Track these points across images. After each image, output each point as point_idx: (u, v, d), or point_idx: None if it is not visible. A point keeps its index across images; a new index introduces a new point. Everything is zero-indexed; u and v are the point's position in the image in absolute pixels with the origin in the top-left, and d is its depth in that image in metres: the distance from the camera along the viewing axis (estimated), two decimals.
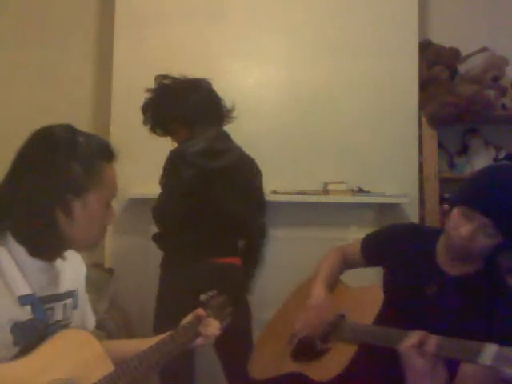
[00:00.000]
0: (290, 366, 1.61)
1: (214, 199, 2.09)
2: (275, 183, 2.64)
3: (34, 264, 1.15)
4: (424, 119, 2.94)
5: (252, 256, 2.26)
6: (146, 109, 2.20)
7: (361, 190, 2.86)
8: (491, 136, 3.14)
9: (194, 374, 2.15)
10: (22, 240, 1.13)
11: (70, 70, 3.08)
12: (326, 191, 2.83)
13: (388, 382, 1.43)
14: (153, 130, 2.22)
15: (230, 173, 2.11)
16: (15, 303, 1.10)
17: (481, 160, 3.02)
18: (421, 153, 2.94)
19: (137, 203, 2.63)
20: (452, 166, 3.11)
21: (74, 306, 1.26)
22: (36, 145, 1.16)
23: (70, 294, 1.25)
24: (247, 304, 2.20)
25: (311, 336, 1.61)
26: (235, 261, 2.18)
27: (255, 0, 2.97)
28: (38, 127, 1.17)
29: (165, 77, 2.20)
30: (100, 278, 2.60)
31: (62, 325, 1.20)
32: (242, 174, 2.17)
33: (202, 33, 2.90)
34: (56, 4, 3.11)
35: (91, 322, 1.38)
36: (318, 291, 1.66)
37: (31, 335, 1.11)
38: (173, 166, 2.07)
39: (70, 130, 1.18)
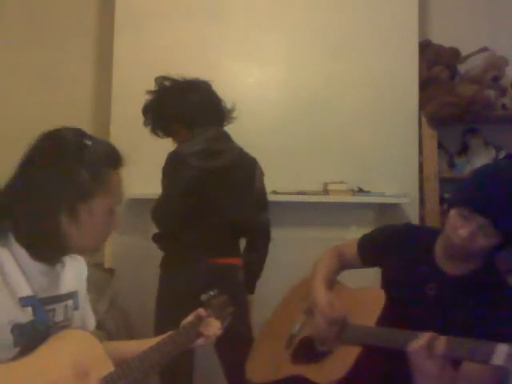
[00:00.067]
0: (291, 369, 1.59)
1: (213, 199, 2.09)
2: (275, 183, 2.63)
3: (36, 266, 1.15)
4: (424, 119, 2.94)
5: (255, 255, 2.26)
6: (147, 110, 2.21)
7: (361, 190, 2.86)
8: (491, 136, 3.14)
9: (194, 374, 2.15)
10: (25, 243, 1.13)
11: (70, 69, 3.08)
12: (325, 191, 2.83)
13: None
14: (154, 131, 2.23)
15: (229, 173, 2.11)
16: (16, 304, 1.10)
17: (481, 160, 3.01)
18: (421, 153, 2.94)
19: (137, 203, 2.63)
20: (452, 165, 3.11)
21: (75, 307, 1.26)
22: (44, 147, 1.15)
23: (71, 295, 1.25)
24: (247, 304, 2.20)
25: (311, 338, 1.60)
26: (235, 261, 2.18)
27: (255, 0, 2.97)
28: (38, 127, 1.17)
29: (165, 78, 2.20)
30: (100, 277, 2.60)
31: (63, 326, 1.20)
32: (241, 173, 2.17)
33: (202, 33, 2.90)
34: (56, 4, 3.11)
35: (91, 322, 1.38)
36: (321, 294, 1.62)
37: (32, 336, 1.11)
38: (171, 167, 2.08)
39: (78, 134, 1.17)
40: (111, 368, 1.16)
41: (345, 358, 1.45)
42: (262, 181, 2.27)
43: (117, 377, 1.15)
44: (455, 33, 3.15)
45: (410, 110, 2.96)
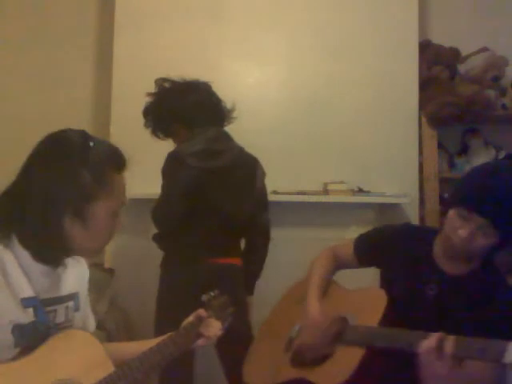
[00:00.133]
0: (291, 373, 1.58)
1: (213, 199, 2.09)
2: (275, 183, 2.63)
3: (38, 267, 1.15)
4: (424, 119, 2.94)
5: (255, 255, 2.26)
6: (147, 112, 2.21)
7: (361, 190, 2.86)
8: (491, 136, 3.14)
9: (194, 374, 2.15)
10: (27, 244, 1.13)
11: (70, 69, 3.07)
12: (325, 191, 2.83)
13: None
14: (154, 133, 2.23)
15: (229, 173, 2.11)
16: (18, 305, 1.10)
17: (481, 160, 3.01)
18: (421, 153, 2.94)
19: (137, 203, 2.63)
20: (452, 165, 3.11)
21: (76, 309, 1.26)
22: (48, 149, 1.15)
23: (72, 297, 1.25)
24: (246, 304, 2.20)
25: (310, 342, 1.59)
26: (235, 261, 2.18)
27: (255, 0, 2.97)
28: (38, 127, 1.17)
29: (165, 80, 2.21)
30: (100, 277, 2.60)
31: (64, 327, 1.20)
32: (241, 173, 2.17)
33: (202, 33, 2.90)
34: (56, 4, 3.10)
35: (92, 323, 1.37)
36: (313, 304, 1.62)
37: (32, 337, 1.11)
38: (171, 167, 2.08)
39: (83, 136, 1.17)
40: (112, 369, 1.16)
41: (348, 360, 1.43)
42: (262, 180, 2.27)
43: (117, 377, 1.15)
44: (455, 33, 3.15)
45: (410, 109, 2.96)
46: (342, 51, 2.95)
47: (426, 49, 3.05)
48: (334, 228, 2.87)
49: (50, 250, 1.15)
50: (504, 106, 2.98)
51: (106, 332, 2.39)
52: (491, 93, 2.93)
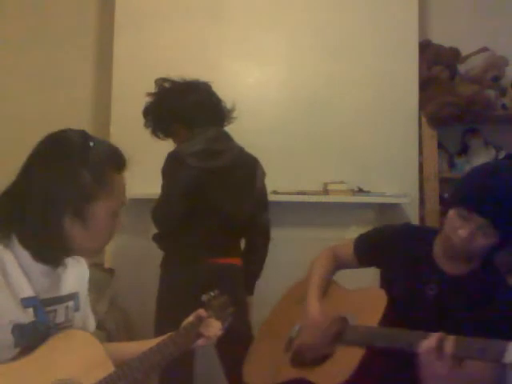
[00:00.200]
0: (291, 373, 1.58)
1: (213, 199, 2.09)
2: (275, 183, 2.63)
3: (38, 267, 1.15)
4: (424, 119, 2.94)
5: (255, 255, 2.26)
6: (147, 112, 2.21)
7: (361, 190, 2.86)
8: (491, 136, 3.14)
9: (194, 374, 2.15)
10: (27, 244, 1.13)
11: (70, 69, 3.07)
12: (325, 191, 2.83)
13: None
14: (154, 133, 2.23)
15: (229, 172, 2.11)
16: (18, 305, 1.10)
17: (481, 160, 3.00)
18: (421, 153, 2.94)
19: (137, 203, 2.63)
20: (452, 165, 3.11)
21: (76, 309, 1.26)
22: (47, 149, 1.15)
23: (72, 297, 1.25)
24: (246, 304, 2.20)
25: (310, 343, 1.58)
26: (235, 261, 2.18)
27: (255, 0, 2.97)
28: (38, 127, 1.17)
29: (165, 80, 2.21)
30: (100, 277, 2.60)
31: (64, 327, 1.20)
32: (242, 173, 2.17)
33: (202, 33, 2.90)
34: (56, 4, 3.10)
35: (92, 323, 1.37)
36: (313, 304, 1.62)
37: (32, 337, 1.11)
38: (171, 167, 2.08)
39: (83, 136, 1.17)
40: (112, 369, 1.16)
41: (348, 359, 1.43)
42: (263, 180, 2.27)
43: (117, 377, 1.15)
44: (455, 33, 3.15)
45: (410, 109, 2.96)
46: (341, 51, 2.95)
47: (426, 49, 3.05)
48: (334, 228, 2.87)
49: (50, 250, 1.15)
50: (504, 106, 2.98)
51: (106, 332, 2.39)
52: (491, 93, 2.93)
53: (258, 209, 2.24)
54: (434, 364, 1.21)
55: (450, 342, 1.21)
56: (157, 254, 2.18)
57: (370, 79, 2.95)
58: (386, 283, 1.61)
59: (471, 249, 1.38)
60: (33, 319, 1.12)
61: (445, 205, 1.50)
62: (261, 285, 2.28)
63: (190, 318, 1.37)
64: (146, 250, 2.40)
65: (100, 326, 2.26)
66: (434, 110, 2.88)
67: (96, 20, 3.13)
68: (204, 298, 1.43)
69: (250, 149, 2.24)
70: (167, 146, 2.21)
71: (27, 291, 1.12)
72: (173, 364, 1.31)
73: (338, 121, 2.93)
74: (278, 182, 2.70)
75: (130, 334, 2.64)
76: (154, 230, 2.18)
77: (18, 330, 1.09)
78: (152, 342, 1.28)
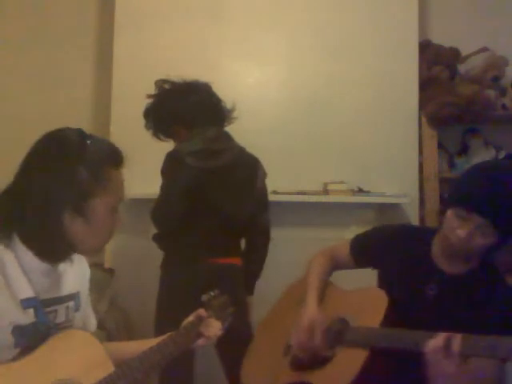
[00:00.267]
0: (292, 376, 1.56)
1: (213, 199, 2.09)
2: (275, 183, 2.63)
3: (39, 267, 1.15)
4: (424, 119, 2.94)
5: (255, 255, 2.26)
6: (148, 114, 2.21)
7: (361, 190, 2.86)
8: (491, 136, 3.14)
9: (194, 374, 2.15)
10: (29, 243, 1.13)
11: (70, 69, 3.07)
12: (325, 191, 2.83)
13: None
14: (155, 134, 2.23)
15: (229, 172, 2.11)
16: (18, 306, 1.10)
17: (481, 160, 3.01)
18: (421, 153, 2.95)
19: (137, 203, 2.63)
20: (452, 165, 3.11)
21: (76, 309, 1.26)
22: (45, 147, 1.15)
23: (73, 297, 1.25)
24: (246, 304, 2.20)
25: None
26: (235, 261, 2.18)
27: (255, 0, 2.97)
28: (38, 127, 1.17)
29: (165, 81, 2.21)
30: (100, 277, 2.60)
31: (64, 327, 1.20)
32: (242, 173, 2.17)
33: (202, 33, 2.90)
34: (56, 4, 3.11)
35: (93, 323, 1.38)
36: (311, 305, 1.60)
37: (33, 338, 1.11)
38: (170, 167, 2.08)
39: (79, 133, 1.17)
40: (111, 368, 1.16)
41: (351, 362, 1.42)
42: (263, 181, 2.27)
43: (117, 377, 1.15)
44: (455, 33, 3.15)
45: (410, 110, 2.96)
46: (341, 51, 2.95)
47: (426, 49, 3.05)
48: (334, 228, 2.87)
49: (51, 248, 1.15)
50: (504, 106, 2.98)
51: (106, 332, 2.39)
52: (491, 93, 2.93)
53: (259, 209, 2.24)
54: (442, 363, 1.21)
55: (458, 341, 1.20)
56: (157, 253, 2.18)
57: (370, 79, 2.95)
58: (385, 284, 1.60)
59: (470, 248, 1.38)
60: (33, 320, 1.12)
61: (444, 204, 1.49)
62: (261, 285, 2.28)
63: (190, 318, 1.37)
64: (145, 249, 2.40)
65: (100, 325, 2.24)
66: (434, 109, 2.88)
67: (96, 20, 3.13)
68: (204, 297, 1.43)
69: (250, 149, 2.24)
70: (167, 146, 2.21)
71: (27, 292, 1.12)
72: (173, 364, 1.31)
73: (337, 121, 2.93)
74: (278, 182, 2.70)
75: (130, 334, 2.64)
76: (154, 230, 2.18)
77: (18, 330, 1.09)
78: (152, 342, 1.28)
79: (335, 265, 1.75)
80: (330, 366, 1.48)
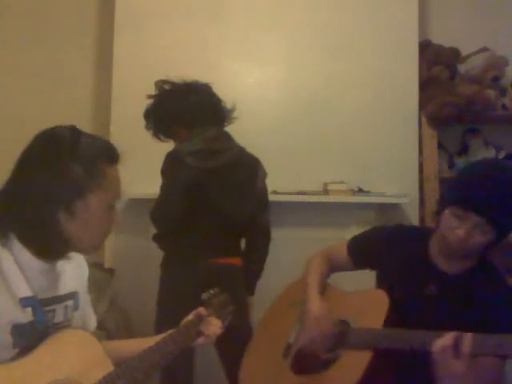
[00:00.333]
0: (293, 380, 1.55)
1: (213, 199, 2.09)
2: (275, 183, 2.63)
3: (36, 266, 1.15)
4: (424, 119, 2.93)
5: (255, 255, 2.26)
6: (148, 114, 2.21)
7: (361, 190, 2.86)
8: (491, 136, 3.14)
9: (194, 374, 2.15)
10: (25, 241, 1.13)
11: (70, 69, 3.07)
12: (325, 191, 2.83)
13: None
14: (155, 135, 2.23)
15: (229, 172, 2.11)
16: (16, 305, 1.10)
17: None
18: (421, 153, 2.94)
19: (137, 203, 2.63)
20: (452, 165, 3.11)
21: (75, 308, 1.26)
22: (39, 145, 1.15)
23: (71, 296, 1.25)
24: (247, 304, 2.20)
25: (311, 347, 1.55)
26: (235, 261, 2.18)
27: (255, 0, 2.97)
28: (38, 127, 1.17)
29: (165, 82, 2.21)
30: (100, 277, 2.60)
31: (63, 326, 1.20)
32: (242, 173, 2.17)
33: (202, 33, 2.90)
34: (56, 4, 3.11)
35: (92, 322, 1.37)
36: (314, 303, 1.59)
37: (31, 337, 1.10)
38: (170, 167, 2.08)
39: (73, 131, 1.17)
40: (110, 368, 1.16)
41: (354, 364, 1.40)
42: (263, 181, 2.27)
43: (116, 377, 1.15)
44: (455, 33, 3.15)
45: (410, 110, 2.96)
46: (341, 51, 2.95)
47: (426, 49, 3.05)
48: (333, 228, 2.87)
49: (47, 245, 1.15)
50: (504, 106, 2.98)
51: (106, 332, 2.39)
52: (491, 93, 2.93)
53: (259, 209, 2.24)
54: (450, 362, 1.20)
55: (469, 340, 1.20)
56: (157, 253, 2.18)
57: (370, 79, 2.95)
58: (384, 285, 1.59)
59: (469, 247, 1.38)
60: (31, 319, 1.11)
61: (439, 205, 1.49)
62: (261, 285, 2.28)
63: (190, 317, 1.37)
64: (146, 249, 2.40)
65: (100, 325, 2.24)
66: (434, 109, 2.88)
67: (96, 20, 3.13)
68: (204, 296, 1.43)
69: (250, 149, 2.24)
70: (167, 146, 2.21)
71: (25, 291, 1.11)
72: (173, 364, 1.31)
73: (338, 121, 2.93)
74: (278, 182, 2.70)
75: (130, 334, 2.63)
76: (154, 230, 2.18)
77: (17, 330, 1.09)
78: (151, 340, 1.27)
79: (333, 266, 1.74)
80: (334, 368, 1.46)
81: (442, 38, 3.11)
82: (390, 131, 2.95)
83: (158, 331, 1.36)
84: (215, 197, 2.09)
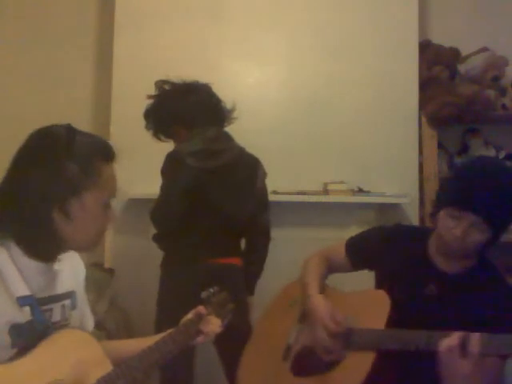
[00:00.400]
0: (294, 382, 1.53)
1: (213, 199, 2.09)
2: (275, 183, 2.63)
3: (33, 265, 1.14)
4: (424, 119, 2.93)
5: (255, 255, 2.26)
6: (148, 115, 2.22)
7: (361, 190, 2.86)
8: (491, 136, 3.14)
9: (194, 374, 2.15)
10: (20, 241, 1.13)
11: (70, 69, 3.08)
12: (325, 191, 2.83)
13: None
14: (155, 135, 2.23)
15: (229, 172, 2.11)
16: (14, 304, 1.09)
17: None
18: (421, 153, 2.94)
19: (137, 203, 2.63)
20: (452, 166, 3.11)
21: (73, 307, 1.26)
22: (34, 144, 1.15)
23: (69, 295, 1.24)
24: (247, 304, 2.20)
25: (312, 348, 1.54)
26: (235, 261, 2.18)
27: (255, 0, 2.97)
28: (38, 127, 1.17)
29: (165, 82, 2.21)
30: (100, 277, 2.60)
31: (61, 326, 1.19)
32: (242, 173, 2.17)
33: (202, 33, 2.90)
34: (56, 4, 3.11)
35: (90, 322, 1.37)
36: (318, 302, 1.56)
37: (30, 336, 1.10)
38: (170, 167, 2.08)
39: (68, 129, 1.17)
40: (110, 368, 1.15)
41: (358, 365, 1.39)
42: (263, 181, 2.27)
43: (115, 376, 1.14)
44: (455, 33, 3.15)
45: (410, 110, 2.96)
46: (341, 51, 2.95)
47: (426, 49, 3.05)
48: (333, 228, 2.87)
49: (42, 245, 1.14)
50: (504, 106, 2.98)
51: (106, 332, 2.39)
52: (491, 93, 2.93)
53: (259, 209, 2.24)
54: (457, 362, 1.19)
55: (476, 340, 1.19)
56: (157, 253, 2.18)
57: (370, 79, 2.95)
58: (384, 285, 1.58)
59: (466, 246, 1.38)
60: (29, 318, 1.11)
61: (435, 206, 1.49)
62: (261, 285, 2.28)
63: (190, 316, 1.37)
64: (146, 249, 2.40)
65: (100, 325, 2.26)
66: (434, 109, 2.88)
67: (96, 20, 3.13)
68: (203, 294, 1.42)
69: (250, 149, 2.25)
70: (167, 146, 2.21)
71: (23, 290, 1.11)
72: (173, 364, 1.31)
73: (338, 121, 2.93)
74: (278, 182, 2.70)
75: (130, 334, 2.63)
76: (154, 230, 2.18)
77: (15, 329, 1.08)
78: (151, 340, 1.27)
79: (331, 267, 1.73)
80: (337, 370, 1.45)
81: (441, 37, 3.11)
82: (390, 131, 2.95)
83: (158, 331, 1.36)
84: (215, 197, 2.09)
